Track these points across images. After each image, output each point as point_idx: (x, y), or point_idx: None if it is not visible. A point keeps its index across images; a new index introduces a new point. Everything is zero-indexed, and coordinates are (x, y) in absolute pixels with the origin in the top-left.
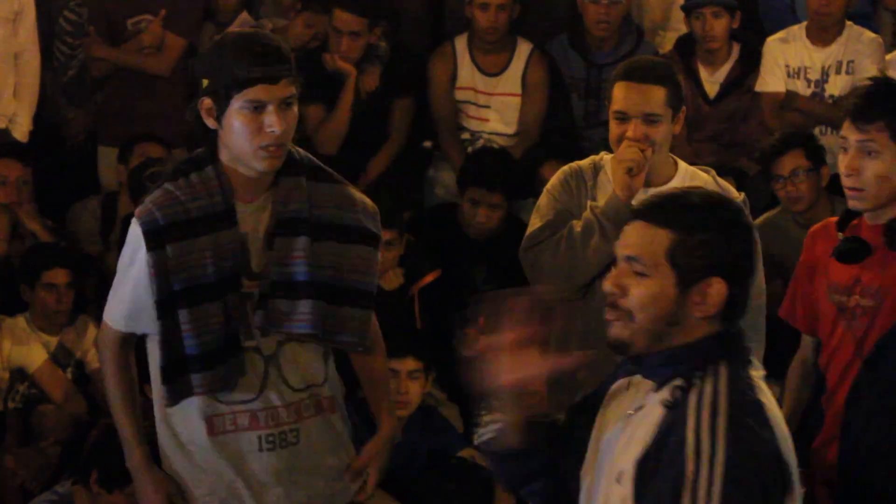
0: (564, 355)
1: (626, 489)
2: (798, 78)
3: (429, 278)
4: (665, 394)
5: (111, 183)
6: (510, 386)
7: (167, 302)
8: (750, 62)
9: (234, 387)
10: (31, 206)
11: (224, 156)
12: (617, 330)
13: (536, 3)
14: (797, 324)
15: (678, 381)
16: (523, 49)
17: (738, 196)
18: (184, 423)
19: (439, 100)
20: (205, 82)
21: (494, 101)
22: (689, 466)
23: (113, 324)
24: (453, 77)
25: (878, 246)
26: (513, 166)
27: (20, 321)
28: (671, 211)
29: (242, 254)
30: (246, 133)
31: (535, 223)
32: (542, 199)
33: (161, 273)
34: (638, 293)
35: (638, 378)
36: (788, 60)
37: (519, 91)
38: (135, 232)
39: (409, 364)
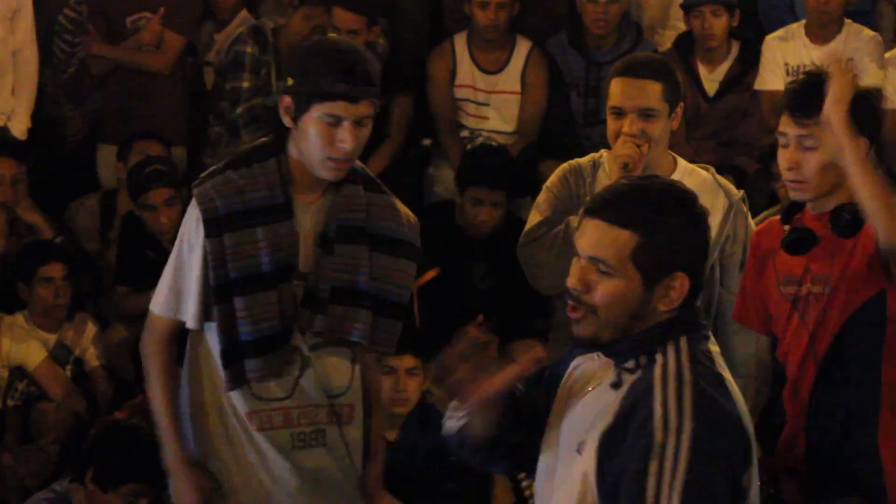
0: (520, 362)
1: (587, 461)
2: (797, 76)
3: (428, 276)
4: (613, 375)
5: (110, 181)
6: (478, 399)
7: (224, 288)
8: (749, 60)
9: (283, 375)
10: (28, 201)
11: (292, 150)
12: (582, 328)
13: (536, 2)
14: (750, 323)
15: (631, 364)
16: (523, 47)
17: (737, 194)
18: (223, 416)
19: (438, 98)
20: (290, 80)
21: (494, 99)
22: (658, 437)
23: (164, 312)
24: (452, 75)
25: (824, 235)
26: (511, 163)
27: (19, 319)
28: (630, 210)
29: (293, 248)
30: (318, 143)
31: (533, 219)
32: (541, 196)
33: (218, 260)
34: (603, 291)
35: (596, 356)
36: (787, 58)
37: (518, 89)
38: (196, 216)
39: (408, 361)
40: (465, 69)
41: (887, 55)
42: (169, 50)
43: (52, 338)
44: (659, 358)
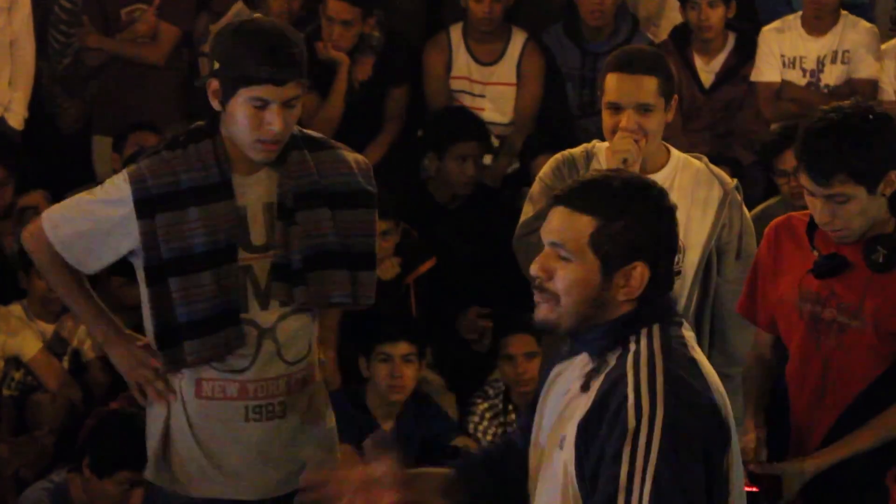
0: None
1: (567, 453)
2: (793, 68)
3: (424, 267)
4: (581, 376)
5: (105, 172)
6: None
7: (157, 269)
8: (745, 52)
9: (225, 358)
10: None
11: (225, 132)
12: (543, 312)
13: None
14: (757, 321)
15: (597, 363)
16: (518, 38)
17: (731, 182)
18: (179, 383)
19: (434, 89)
20: (216, 64)
21: (489, 91)
22: (631, 423)
23: (51, 236)
24: (448, 66)
25: (855, 261)
26: (476, 116)
27: (16, 309)
28: (592, 197)
29: (240, 226)
30: (246, 126)
31: (527, 211)
32: (535, 188)
33: (151, 241)
34: (563, 277)
35: (576, 359)
36: (784, 50)
37: (514, 80)
38: (124, 189)
39: (403, 348)
40: (461, 61)
41: (883, 46)
42: (164, 41)
43: (48, 329)
44: (632, 346)
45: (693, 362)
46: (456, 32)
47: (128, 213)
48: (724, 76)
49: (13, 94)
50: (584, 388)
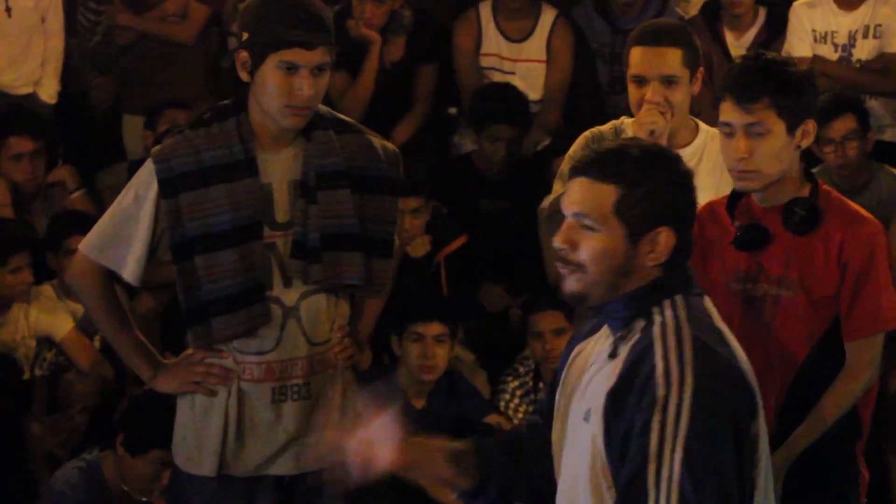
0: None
1: (594, 425)
2: (825, 42)
3: (455, 245)
4: (610, 344)
5: (136, 150)
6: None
7: (182, 247)
8: (776, 27)
9: (255, 333)
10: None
11: (253, 107)
12: (571, 283)
13: None
14: None
15: (624, 331)
16: (548, 15)
17: None
18: None
19: (464, 66)
20: (244, 35)
21: (519, 68)
22: (660, 391)
23: (91, 252)
24: (478, 44)
25: (775, 231)
26: (521, 97)
27: (47, 289)
28: (613, 166)
29: (265, 203)
30: (276, 92)
31: (557, 189)
32: (565, 166)
33: (175, 219)
34: (589, 247)
35: (597, 335)
36: (815, 25)
37: (544, 57)
38: (150, 171)
39: (435, 328)
40: (491, 38)
41: None
42: (194, 20)
43: (80, 308)
44: (657, 317)
45: (719, 332)
46: (485, 10)
47: (154, 193)
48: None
49: (44, 70)
50: (612, 355)
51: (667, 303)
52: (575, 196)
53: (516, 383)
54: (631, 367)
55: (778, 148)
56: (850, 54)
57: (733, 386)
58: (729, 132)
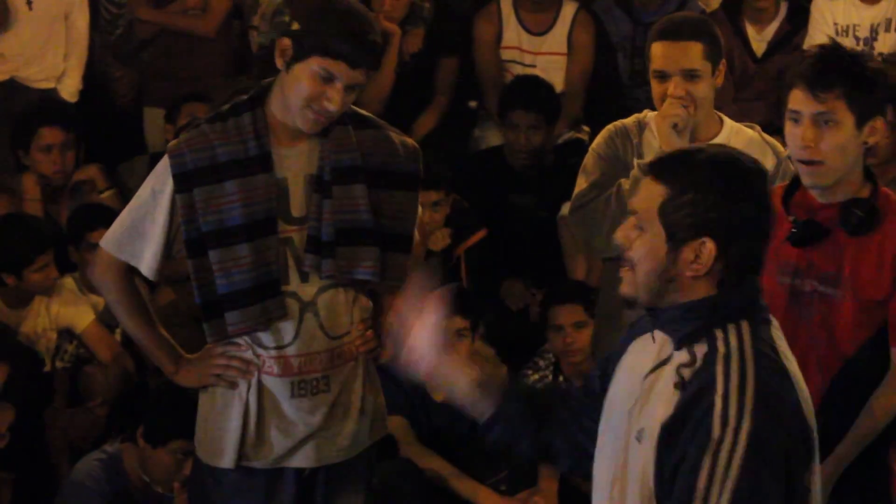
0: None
1: (648, 449)
2: (847, 36)
3: (476, 238)
4: (675, 371)
5: (157, 144)
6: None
7: (196, 242)
8: (798, 20)
9: (272, 327)
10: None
11: (275, 98)
12: (624, 283)
13: None
14: None
15: (687, 354)
16: (569, 8)
17: (784, 152)
18: None
19: (484, 59)
20: (295, 25)
21: (540, 61)
22: (715, 432)
23: (111, 248)
24: (498, 37)
25: (832, 227)
26: (548, 89)
27: (68, 281)
28: (670, 167)
29: (280, 198)
30: (305, 92)
31: (581, 183)
32: (588, 159)
33: (190, 214)
34: (637, 246)
35: (658, 334)
36: (837, 18)
37: (565, 50)
38: (165, 166)
39: (457, 323)
40: (511, 31)
41: None
42: (215, 13)
43: (101, 301)
44: (721, 346)
45: (784, 372)
46: (506, 2)
47: (170, 188)
48: (776, 45)
49: (66, 66)
50: (678, 385)
51: (731, 328)
52: (636, 194)
53: (536, 377)
54: (690, 400)
55: (844, 140)
56: (872, 48)
57: (791, 434)
58: (796, 119)
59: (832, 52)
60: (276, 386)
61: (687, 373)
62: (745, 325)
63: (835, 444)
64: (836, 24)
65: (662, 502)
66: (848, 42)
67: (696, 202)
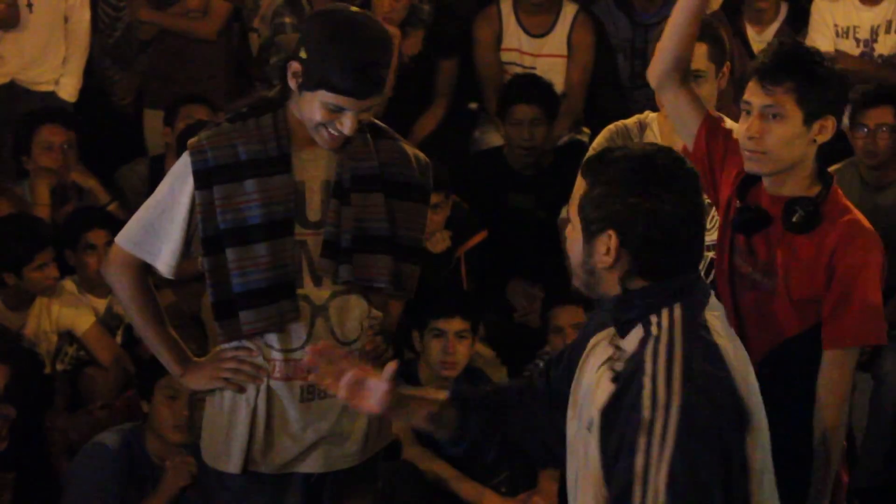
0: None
1: (595, 437)
2: (847, 37)
3: (476, 240)
4: (610, 364)
5: (157, 146)
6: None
7: (214, 240)
8: (798, 22)
9: (284, 330)
10: (81, 166)
11: (293, 105)
12: (574, 277)
13: None
14: None
15: (622, 344)
16: (569, 10)
17: None
18: None
19: (485, 61)
20: (303, 52)
21: (540, 63)
22: (646, 412)
23: (128, 245)
24: (498, 38)
25: (776, 219)
26: (548, 86)
27: (69, 284)
28: (591, 165)
29: (298, 201)
30: (318, 118)
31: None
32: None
33: (208, 211)
34: (568, 240)
35: (606, 330)
36: (837, 20)
37: (565, 52)
38: (185, 164)
39: (457, 324)
40: (511, 32)
41: None
42: (215, 16)
43: (101, 304)
44: (653, 330)
45: (713, 347)
46: (506, 4)
47: (190, 186)
48: None
49: (66, 68)
50: (612, 375)
51: (664, 312)
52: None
53: None
54: (623, 385)
55: (790, 135)
56: (873, 49)
57: (722, 408)
58: (748, 111)
59: (788, 48)
60: (285, 390)
61: (620, 365)
62: (677, 308)
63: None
64: (836, 25)
65: (609, 486)
66: (848, 44)
67: (604, 196)
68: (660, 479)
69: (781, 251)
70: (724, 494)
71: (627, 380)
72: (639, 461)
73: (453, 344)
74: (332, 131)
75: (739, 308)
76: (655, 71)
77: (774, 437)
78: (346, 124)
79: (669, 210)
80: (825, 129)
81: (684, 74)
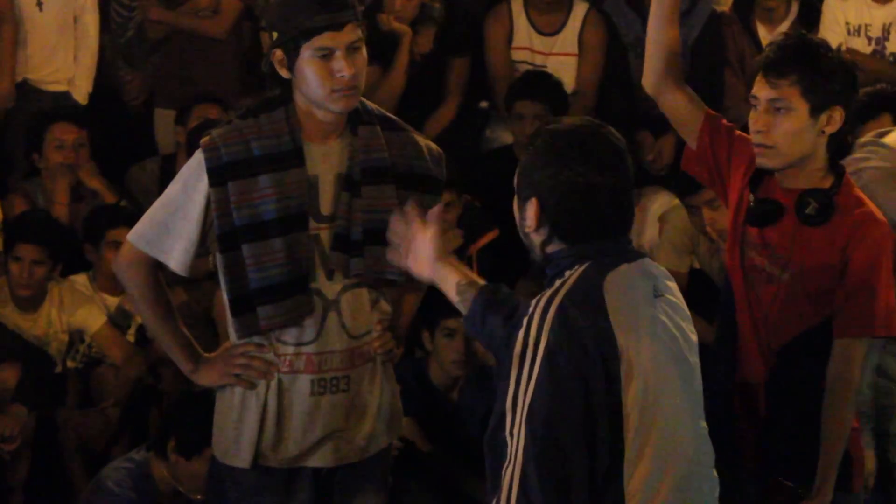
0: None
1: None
2: (858, 35)
3: (487, 238)
4: None
5: (168, 145)
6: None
7: (230, 236)
8: (809, 20)
9: (298, 323)
10: (90, 165)
11: (299, 99)
12: None
13: None
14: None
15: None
16: (580, 8)
17: None
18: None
19: (496, 60)
20: (274, 35)
21: (551, 61)
22: (518, 348)
23: (139, 243)
24: (509, 37)
25: (790, 211)
26: (555, 82)
27: (81, 281)
28: (532, 136)
29: (311, 194)
30: (317, 79)
31: None
32: None
33: (223, 208)
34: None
35: None
36: (848, 18)
37: (576, 51)
38: (199, 161)
39: None
40: (522, 31)
41: None
42: (226, 15)
43: (113, 301)
44: (556, 284)
45: (593, 301)
46: (517, 3)
47: (204, 184)
48: None
49: (77, 69)
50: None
51: (571, 272)
52: None
53: None
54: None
55: (797, 128)
56: (884, 47)
57: (587, 353)
58: (755, 105)
59: (793, 41)
60: (296, 384)
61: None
62: (581, 267)
63: (783, 422)
64: (847, 23)
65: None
66: (860, 42)
67: (529, 166)
68: (523, 411)
69: (795, 244)
70: (577, 434)
71: (517, 325)
72: (510, 389)
73: (464, 343)
74: (338, 87)
75: (754, 301)
76: (649, 80)
77: (793, 425)
78: (343, 67)
79: (585, 181)
80: (833, 121)
81: (677, 77)
